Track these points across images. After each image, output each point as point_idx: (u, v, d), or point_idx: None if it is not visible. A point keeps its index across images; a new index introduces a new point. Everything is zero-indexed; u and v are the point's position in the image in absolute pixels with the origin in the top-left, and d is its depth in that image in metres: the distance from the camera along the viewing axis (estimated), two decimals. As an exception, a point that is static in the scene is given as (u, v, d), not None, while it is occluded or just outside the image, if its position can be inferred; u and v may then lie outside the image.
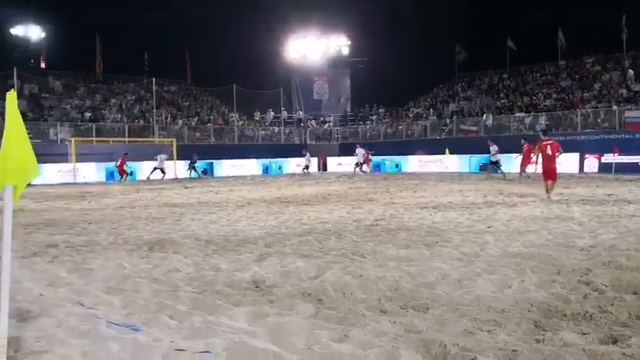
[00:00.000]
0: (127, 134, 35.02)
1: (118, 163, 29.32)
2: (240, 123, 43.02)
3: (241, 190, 20.56)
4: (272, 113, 46.28)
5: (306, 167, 35.86)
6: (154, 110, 38.97)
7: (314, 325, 4.32)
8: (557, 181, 15.20)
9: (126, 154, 29.92)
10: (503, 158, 25.54)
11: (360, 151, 32.82)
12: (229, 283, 5.77)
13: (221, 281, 5.84)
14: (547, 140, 14.86)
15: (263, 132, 43.54)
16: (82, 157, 30.47)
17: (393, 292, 5.29)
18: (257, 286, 5.62)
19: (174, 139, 34.43)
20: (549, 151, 14.55)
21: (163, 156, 30.30)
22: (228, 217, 11.76)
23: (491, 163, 26.16)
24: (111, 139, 33.97)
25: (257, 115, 45.57)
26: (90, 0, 46.97)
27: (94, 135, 33.40)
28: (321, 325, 4.32)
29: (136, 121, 37.55)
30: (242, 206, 14.31)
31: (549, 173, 14.64)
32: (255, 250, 7.70)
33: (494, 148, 25.52)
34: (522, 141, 21.69)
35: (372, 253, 7.23)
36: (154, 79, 40.66)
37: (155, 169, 29.85)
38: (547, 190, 14.59)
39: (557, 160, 14.75)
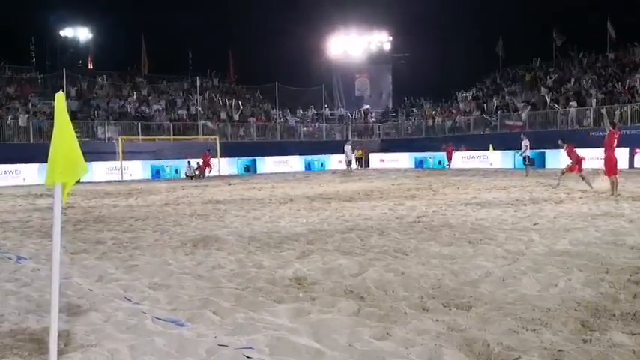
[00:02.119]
0: (172, 132, 35.63)
1: (202, 161, 30.41)
2: (282, 120, 43.26)
3: (284, 187, 20.69)
4: (314, 110, 46.38)
5: (349, 162, 34.75)
6: (198, 108, 39.53)
7: (356, 322, 4.33)
8: (605, 178, 14.79)
9: (209, 150, 30.96)
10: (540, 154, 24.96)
11: (348, 148, 32.79)
12: (271, 279, 5.83)
13: (263, 278, 5.90)
14: (616, 132, 14.38)
15: (305, 129, 43.67)
16: (128, 155, 31.14)
17: (435, 289, 5.25)
18: (299, 283, 5.65)
19: (218, 137, 34.86)
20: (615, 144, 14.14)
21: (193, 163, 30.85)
22: (270, 214, 11.86)
23: (525, 158, 25.43)
24: (156, 138, 34.63)
25: (299, 113, 45.73)
26: (135, 1, 47.98)
27: (139, 133, 34.09)
28: (362, 322, 4.33)
29: (181, 119, 38.16)
30: (284, 203, 14.40)
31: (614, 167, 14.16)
32: (297, 247, 7.75)
33: (525, 143, 25.01)
34: (560, 142, 18.23)
35: (414, 251, 7.19)
36: (197, 78, 41.26)
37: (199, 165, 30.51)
38: (613, 188, 14.00)
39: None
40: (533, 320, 4.21)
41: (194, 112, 39.48)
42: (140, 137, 33.93)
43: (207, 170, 30.70)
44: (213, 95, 43.59)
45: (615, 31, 40.49)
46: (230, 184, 23.31)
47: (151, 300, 5.15)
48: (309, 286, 5.51)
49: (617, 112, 30.95)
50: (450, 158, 33.26)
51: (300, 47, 49.35)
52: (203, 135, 36.19)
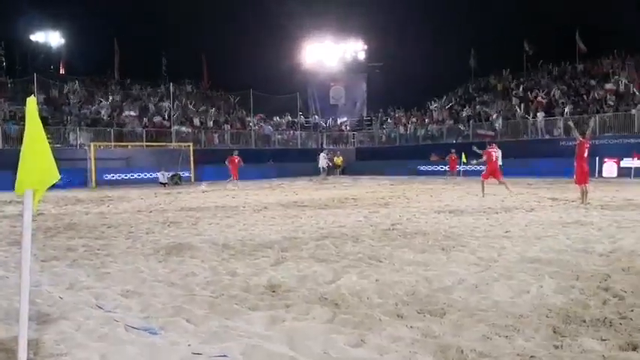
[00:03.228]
0: (144, 139, 35.29)
1: (230, 164, 26.22)
2: (256, 127, 43.16)
3: (258, 194, 20.63)
4: (289, 117, 46.42)
5: (323, 170, 34.65)
6: (172, 114, 39.26)
7: (330, 329, 4.33)
8: (575, 186, 15.08)
9: (233, 152, 29.06)
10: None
11: (322, 156, 32.77)
12: (246, 287, 5.80)
13: (238, 285, 5.87)
14: (586, 142, 14.61)
15: (279, 136, 43.65)
16: (101, 162, 30.74)
17: (409, 296, 5.27)
18: (273, 291, 5.63)
19: (191, 144, 34.62)
20: (585, 153, 14.39)
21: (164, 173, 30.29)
22: (244, 222, 11.80)
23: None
24: (129, 144, 34.27)
25: (274, 120, 45.71)
26: (108, 5, 47.50)
27: (112, 140, 33.70)
28: (337, 329, 4.33)
29: (154, 125, 37.82)
30: (259, 210, 14.35)
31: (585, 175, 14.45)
32: (271, 254, 7.72)
33: (496, 153, 25.28)
34: (475, 148, 19.07)
35: (388, 258, 7.22)
36: (171, 84, 40.99)
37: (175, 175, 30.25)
38: (583, 196, 14.29)
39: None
40: (506, 327, 4.26)
41: (167, 119, 39.18)
42: (113, 143, 33.54)
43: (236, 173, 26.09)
44: (187, 101, 43.34)
45: (584, 42, 41.45)
46: (203, 192, 23.16)
47: (123, 308, 5.08)
48: (284, 294, 5.50)
49: (592, 122, 31.56)
50: (452, 167, 31.84)
51: (276, 54, 49.41)
52: (177, 142, 35.91)
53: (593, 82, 36.92)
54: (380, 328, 4.32)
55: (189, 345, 4.05)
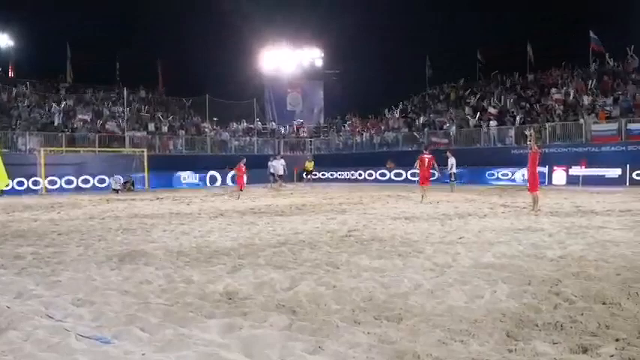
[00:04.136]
0: (97, 144, 34.50)
1: (237, 172, 24.92)
2: (212, 133, 42.76)
3: (214, 201, 20.42)
4: (245, 123, 46.15)
5: (279, 177, 33.25)
6: (125, 120, 38.54)
7: (288, 336, 4.31)
8: (528, 193, 15.47)
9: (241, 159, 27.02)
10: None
11: (276, 163, 32.20)
12: (202, 295, 5.72)
13: (193, 293, 5.79)
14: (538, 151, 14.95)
15: (236, 142, 43.35)
16: (51, 168, 29.90)
17: (366, 302, 5.30)
18: (230, 298, 5.58)
19: (145, 149, 34.04)
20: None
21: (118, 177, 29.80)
22: (200, 229, 11.66)
23: (451, 175, 26.08)
24: (81, 149, 33.44)
25: (231, 126, 45.38)
26: (60, 7, 46.30)
27: (63, 145, 32.82)
28: (294, 336, 4.31)
29: (107, 130, 37.04)
30: (215, 217, 14.21)
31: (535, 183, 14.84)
32: (227, 261, 7.65)
33: (452, 160, 25.83)
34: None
35: (345, 264, 7.24)
36: (125, 89, 40.24)
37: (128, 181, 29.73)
38: (534, 203, 14.68)
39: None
40: (461, 331, 4.32)
41: (121, 124, 38.45)
42: (64, 149, 32.66)
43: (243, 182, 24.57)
44: (142, 106, 42.63)
45: (534, 53, 42.69)
46: (158, 198, 22.79)
47: (75, 317, 4.95)
48: (241, 301, 5.45)
49: (528, 132, 32.43)
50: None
51: (233, 60, 49.08)
52: (130, 147, 35.25)
53: (542, 92, 38.02)
54: (337, 334, 4.33)
55: (143, 354, 3.97)
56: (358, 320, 4.71)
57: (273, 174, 31.69)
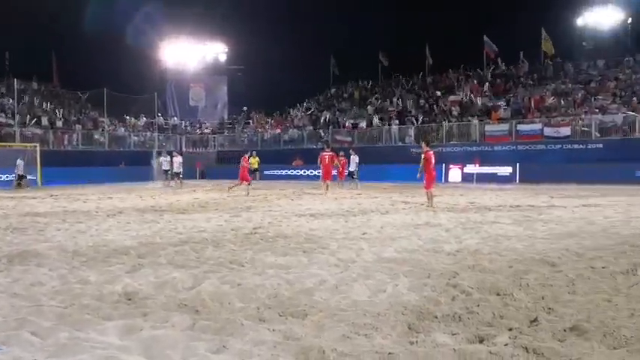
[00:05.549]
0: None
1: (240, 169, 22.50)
2: (111, 128, 41.08)
3: (112, 199, 19.62)
4: (145, 118, 44.66)
5: (175, 175, 29.78)
6: (16, 113, 36.22)
7: (190, 337, 4.19)
8: (424, 191, 16.07)
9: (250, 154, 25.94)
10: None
11: (162, 160, 30.48)
12: (99, 296, 5.46)
13: (90, 294, 5.51)
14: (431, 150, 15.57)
15: (136, 138, 41.89)
16: None
17: (271, 299, 5.26)
18: (129, 299, 5.35)
19: (38, 144, 32.15)
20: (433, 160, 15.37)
21: (21, 162, 28.18)
22: (97, 227, 11.15)
23: (354, 173, 26.56)
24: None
25: (130, 121, 43.74)
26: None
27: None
28: (198, 336, 4.20)
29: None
30: (113, 215, 13.64)
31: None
32: (127, 260, 7.35)
33: (355, 158, 26.37)
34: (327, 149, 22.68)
35: (250, 262, 7.17)
36: (15, 80, 37.81)
37: (21, 177, 27.95)
38: (430, 200, 15.31)
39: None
40: (365, 325, 4.38)
41: (10, 117, 36.09)
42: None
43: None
44: (34, 99, 40.23)
45: (433, 57, 44.42)
46: (51, 195, 21.60)
47: (-44, 324, 4.56)
48: (141, 302, 5.24)
49: (444, 131, 33.75)
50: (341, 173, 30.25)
51: (132, 53, 47.25)
52: (22, 142, 33.15)
53: (439, 94, 39.63)
54: (242, 332, 4.26)
55: (34, 360, 3.72)
56: (263, 318, 4.67)
57: (166, 171, 30.18)
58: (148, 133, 43.32)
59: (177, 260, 7.34)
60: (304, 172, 35.77)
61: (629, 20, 39.27)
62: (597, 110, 30.99)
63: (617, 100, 31.64)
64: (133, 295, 5.46)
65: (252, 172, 28.50)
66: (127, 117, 43.89)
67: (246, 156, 23.89)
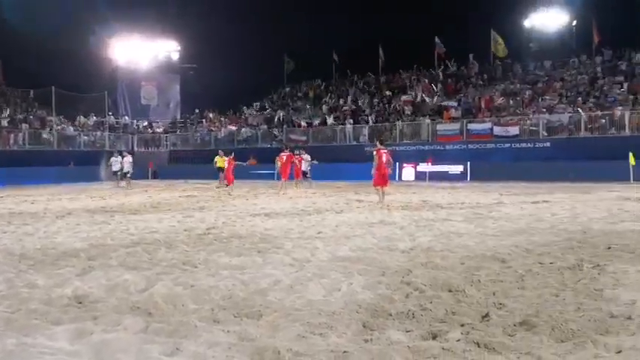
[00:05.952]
0: None
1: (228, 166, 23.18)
2: (59, 127, 39.93)
3: (61, 199, 19.10)
4: (95, 117, 43.58)
5: (124, 175, 28.66)
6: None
7: (143, 340, 4.13)
8: (375, 187, 16.29)
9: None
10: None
11: (115, 159, 29.66)
12: (47, 300, 5.31)
13: (38, 298, 5.36)
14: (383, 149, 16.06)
15: (86, 137, 40.85)
16: None
17: (226, 301, 5.23)
18: (79, 302, 5.23)
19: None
20: (384, 159, 15.75)
21: None
22: (45, 229, 10.84)
23: (303, 173, 26.33)
24: None
25: (79, 120, 42.60)
26: None
27: None
28: (151, 339, 4.14)
29: None
30: (62, 217, 13.28)
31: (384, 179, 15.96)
32: (76, 263, 7.17)
33: (308, 157, 26.37)
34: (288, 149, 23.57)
35: (204, 263, 7.10)
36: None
37: None
38: (380, 197, 15.73)
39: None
40: (320, 324, 4.40)
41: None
42: None
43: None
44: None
45: (385, 56, 44.85)
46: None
47: None
48: (91, 305, 5.13)
49: (397, 130, 34.07)
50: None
51: (81, 50, 45.91)
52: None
53: (393, 94, 40.08)
54: (196, 334, 4.22)
55: (-22, 369, 3.59)
56: (217, 319, 4.63)
57: (116, 172, 29.31)
58: (99, 133, 42.31)
59: (129, 262, 7.21)
60: (259, 172, 35.52)
61: (574, 22, 40.46)
62: (544, 110, 31.89)
63: (564, 100, 32.63)
64: (84, 299, 5.34)
65: (220, 170, 27.98)
66: (77, 116, 42.74)
67: (231, 158, 23.93)
